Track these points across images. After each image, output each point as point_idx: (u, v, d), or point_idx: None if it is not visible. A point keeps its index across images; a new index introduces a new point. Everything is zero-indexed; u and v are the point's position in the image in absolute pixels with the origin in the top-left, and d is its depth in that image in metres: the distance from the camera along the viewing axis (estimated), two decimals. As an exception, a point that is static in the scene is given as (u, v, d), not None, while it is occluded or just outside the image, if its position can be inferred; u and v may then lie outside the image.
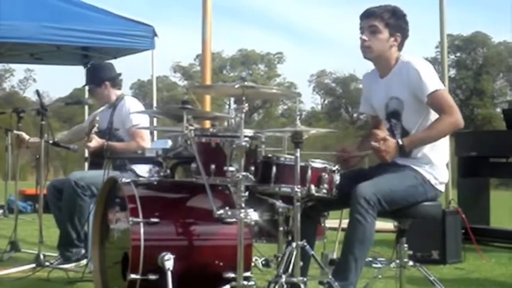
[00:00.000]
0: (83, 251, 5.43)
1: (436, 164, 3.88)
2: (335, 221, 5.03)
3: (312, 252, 3.69)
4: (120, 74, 5.93)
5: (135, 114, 5.49)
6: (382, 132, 3.85)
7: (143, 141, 5.50)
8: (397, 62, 3.94)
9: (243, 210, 3.41)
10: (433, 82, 3.78)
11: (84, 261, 5.25)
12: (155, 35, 9.27)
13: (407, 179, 3.81)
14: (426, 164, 3.86)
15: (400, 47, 3.96)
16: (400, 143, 3.73)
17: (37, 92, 5.69)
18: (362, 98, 4.29)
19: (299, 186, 3.56)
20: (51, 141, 5.49)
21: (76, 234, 5.38)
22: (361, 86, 4.86)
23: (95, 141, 5.36)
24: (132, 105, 5.71)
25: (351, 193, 3.65)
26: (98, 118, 5.39)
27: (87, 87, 5.92)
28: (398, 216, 3.89)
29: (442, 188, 3.93)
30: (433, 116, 3.84)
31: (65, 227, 5.39)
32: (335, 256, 4.22)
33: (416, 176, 3.83)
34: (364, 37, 3.90)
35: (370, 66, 4.11)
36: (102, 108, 5.94)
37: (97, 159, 5.39)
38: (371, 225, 3.63)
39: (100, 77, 5.82)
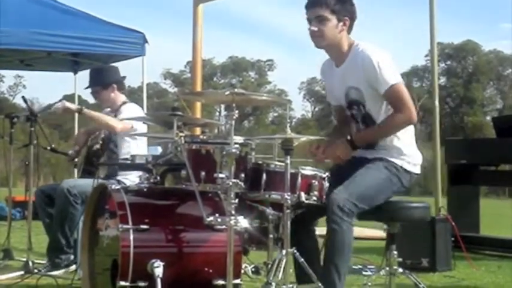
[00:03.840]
0: (72, 257, 5.39)
1: (404, 149, 3.86)
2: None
3: (302, 260, 3.68)
4: (124, 77, 5.86)
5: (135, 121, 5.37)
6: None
7: (121, 126, 5.34)
8: (351, 48, 3.87)
9: (233, 217, 3.40)
10: (388, 76, 3.73)
11: (73, 267, 5.22)
12: (146, 41, 9.26)
13: (380, 173, 3.79)
14: (395, 152, 3.84)
15: (349, 30, 3.89)
16: (348, 138, 3.78)
17: (23, 98, 5.60)
18: (326, 89, 4.27)
19: (289, 193, 3.56)
20: (49, 148, 5.44)
21: (66, 240, 5.34)
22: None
23: (71, 105, 5.41)
24: (134, 114, 5.52)
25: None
26: (101, 141, 5.41)
27: (90, 89, 5.77)
28: (385, 219, 3.89)
29: (416, 169, 3.91)
30: None
31: (55, 233, 5.35)
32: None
33: (387, 167, 3.81)
34: (314, 28, 3.82)
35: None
36: (106, 111, 5.85)
37: (88, 166, 5.36)
38: (348, 232, 3.60)
39: (107, 79, 5.72)
